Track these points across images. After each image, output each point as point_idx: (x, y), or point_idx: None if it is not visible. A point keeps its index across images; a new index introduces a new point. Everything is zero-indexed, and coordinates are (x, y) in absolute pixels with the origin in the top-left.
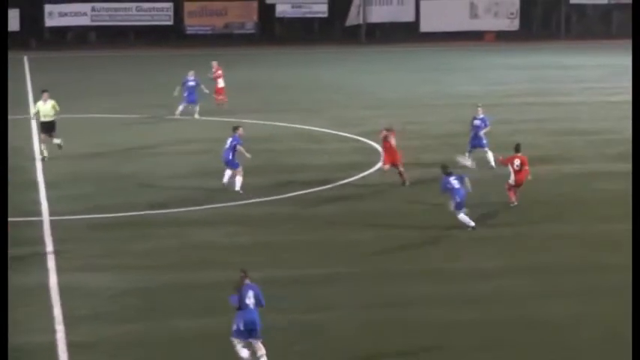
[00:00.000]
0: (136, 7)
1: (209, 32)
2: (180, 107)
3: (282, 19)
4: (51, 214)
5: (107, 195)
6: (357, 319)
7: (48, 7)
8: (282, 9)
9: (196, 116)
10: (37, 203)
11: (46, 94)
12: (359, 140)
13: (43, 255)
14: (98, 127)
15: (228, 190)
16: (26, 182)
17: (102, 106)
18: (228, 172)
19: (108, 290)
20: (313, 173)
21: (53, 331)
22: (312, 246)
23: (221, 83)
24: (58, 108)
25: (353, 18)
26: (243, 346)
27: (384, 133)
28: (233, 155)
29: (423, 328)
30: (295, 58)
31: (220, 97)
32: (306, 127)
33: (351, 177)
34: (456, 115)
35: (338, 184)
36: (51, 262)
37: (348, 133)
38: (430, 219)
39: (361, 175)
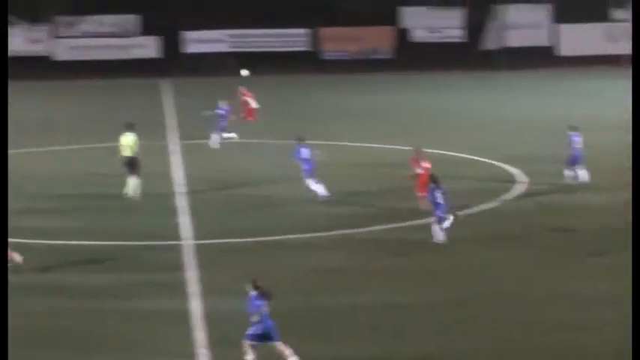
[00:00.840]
0: (273, 33)
1: (345, 57)
2: (215, 136)
3: (417, 44)
4: (192, 238)
5: (245, 219)
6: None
7: (187, 34)
8: (418, 34)
9: (211, 144)
10: (178, 228)
11: (129, 128)
12: (494, 165)
13: (185, 279)
14: (236, 151)
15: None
16: (166, 207)
17: (239, 131)
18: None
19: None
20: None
21: (195, 355)
22: (445, 272)
23: (253, 104)
24: (136, 145)
25: (489, 42)
26: (253, 351)
27: None
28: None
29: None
30: (431, 83)
31: (250, 117)
32: (442, 152)
33: (486, 202)
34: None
35: (474, 209)
36: (192, 287)
37: (485, 157)
38: (566, 243)
39: (497, 200)
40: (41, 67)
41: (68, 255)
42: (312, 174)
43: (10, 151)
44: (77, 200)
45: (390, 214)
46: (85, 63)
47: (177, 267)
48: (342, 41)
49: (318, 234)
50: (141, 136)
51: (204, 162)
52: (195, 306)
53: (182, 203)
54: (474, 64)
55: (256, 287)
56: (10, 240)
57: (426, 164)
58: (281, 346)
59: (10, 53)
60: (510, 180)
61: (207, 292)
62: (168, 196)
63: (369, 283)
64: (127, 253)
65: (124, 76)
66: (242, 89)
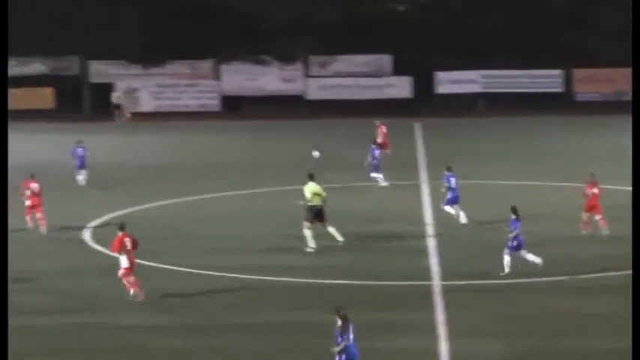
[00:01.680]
0: (527, 74)
1: (598, 99)
2: (375, 175)
3: None
4: (440, 279)
5: (493, 260)
6: None
7: (439, 75)
8: None
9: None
10: (427, 268)
11: (311, 178)
12: None
13: (433, 320)
14: (482, 192)
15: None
16: (415, 247)
17: (492, 172)
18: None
19: (497, 358)
20: None
21: None
22: None
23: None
24: (323, 194)
25: None
26: None
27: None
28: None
29: None
30: None
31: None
32: None
33: None
34: None
35: None
36: (440, 328)
37: None
38: None
39: None
40: (294, 106)
41: (316, 293)
42: (453, 201)
43: (264, 189)
44: (322, 239)
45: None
46: (336, 102)
47: (426, 307)
48: (595, 83)
49: (569, 277)
50: (392, 176)
51: (469, 203)
52: (444, 347)
53: (431, 243)
54: None
55: (341, 317)
56: (253, 277)
57: (595, 190)
58: None
59: (264, 92)
60: None
61: (454, 334)
62: (417, 236)
63: (615, 328)
64: (375, 292)
65: (376, 116)
66: (378, 123)
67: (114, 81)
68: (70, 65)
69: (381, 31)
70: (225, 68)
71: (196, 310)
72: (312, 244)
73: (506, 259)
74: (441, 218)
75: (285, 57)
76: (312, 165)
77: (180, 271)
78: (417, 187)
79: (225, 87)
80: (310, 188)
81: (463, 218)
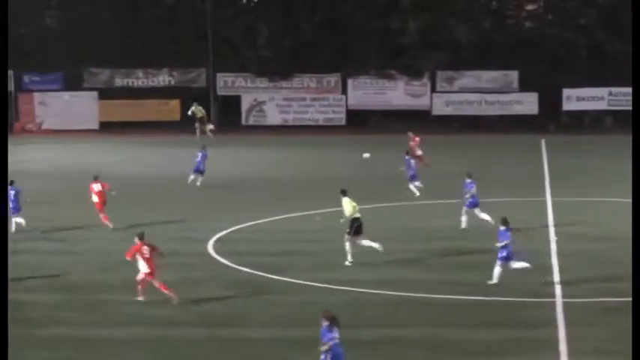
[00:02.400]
0: None
1: None
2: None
3: None
4: (564, 296)
5: (616, 278)
6: None
7: (566, 92)
8: None
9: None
10: (550, 285)
11: (344, 193)
12: None
13: (555, 338)
14: (615, 210)
15: None
16: (539, 264)
17: (617, 190)
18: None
19: None
20: None
21: None
22: None
23: (419, 151)
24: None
25: None
26: None
27: None
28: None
29: None
30: None
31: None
32: None
33: None
34: None
35: None
36: (562, 346)
37: None
38: None
39: None
40: (420, 121)
41: (439, 309)
42: (474, 205)
43: (388, 204)
44: (440, 256)
45: None
46: (461, 118)
47: (548, 324)
48: None
49: None
50: (519, 193)
51: (576, 219)
52: None
53: (554, 260)
54: None
55: (328, 319)
56: (388, 293)
57: None
58: None
59: (390, 107)
60: None
61: (576, 352)
62: (542, 253)
63: None
64: (499, 308)
65: (503, 132)
66: (411, 135)
67: (241, 94)
68: (198, 77)
69: (507, 47)
70: (351, 82)
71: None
72: (350, 257)
73: (497, 270)
74: (563, 234)
75: (413, 72)
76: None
77: (306, 285)
78: (543, 204)
79: (351, 101)
80: (348, 202)
81: (486, 216)
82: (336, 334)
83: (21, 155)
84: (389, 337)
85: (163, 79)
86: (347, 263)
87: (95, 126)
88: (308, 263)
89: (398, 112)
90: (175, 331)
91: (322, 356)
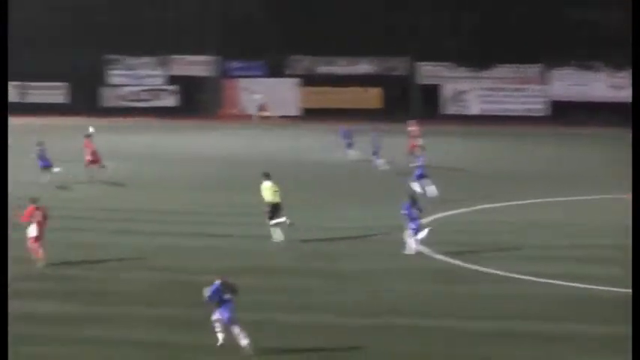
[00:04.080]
0: None
1: None
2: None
3: None
4: None
5: None
6: None
7: None
8: None
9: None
10: None
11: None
12: None
13: None
14: None
15: None
16: None
17: None
18: None
19: None
20: None
21: None
22: None
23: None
24: None
25: None
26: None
27: None
28: None
29: None
30: None
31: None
32: None
33: None
34: None
35: None
36: None
37: None
38: None
39: None
40: (621, 113)
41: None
42: None
43: (583, 197)
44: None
45: None
46: None
47: None
48: None
49: None
50: None
51: None
52: None
53: None
54: None
55: (223, 281)
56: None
57: None
58: (235, 329)
59: (590, 99)
60: None
61: None
62: None
63: None
64: None
65: None
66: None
67: (441, 83)
68: (398, 66)
69: None
70: (554, 73)
71: (529, 317)
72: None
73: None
74: None
75: (616, 64)
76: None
77: (507, 277)
78: None
79: (553, 92)
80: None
81: None
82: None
83: (223, 140)
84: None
85: (364, 67)
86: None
87: (296, 112)
88: (508, 255)
89: (598, 105)
90: (365, 320)
91: (216, 314)
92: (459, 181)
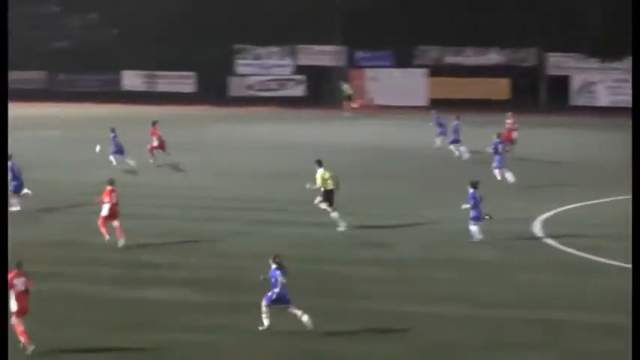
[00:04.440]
0: None
1: None
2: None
3: None
4: None
5: None
6: None
7: None
8: None
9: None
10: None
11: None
12: None
13: None
14: None
15: None
16: None
17: None
18: None
19: None
20: None
21: None
22: None
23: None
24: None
25: None
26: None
27: None
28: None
29: None
30: None
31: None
32: None
33: None
34: None
35: None
36: None
37: None
38: None
39: None
40: None
41: None
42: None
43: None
44: None
45: None
46: None
47: None
48: None
49: None
50: None
51: None
52: None
53: None
54: None
55: (276, 263)
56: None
57: None
58: (293, 309)
59: None
60: None
61: None
62: None
63: None
64: None
65: None
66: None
67: (571, 74)
68: (527, 56)
69: None
70: None
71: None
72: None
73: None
74: None
75: None
76: None
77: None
78: None
79: None
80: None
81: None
82: (279, 274)
83: (349, 130)
84: None
85: (493, 57)
86: None
87: (424, 102)
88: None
89: None
90: (497, 311)
91: (269, 294)
92: (589, 173)
